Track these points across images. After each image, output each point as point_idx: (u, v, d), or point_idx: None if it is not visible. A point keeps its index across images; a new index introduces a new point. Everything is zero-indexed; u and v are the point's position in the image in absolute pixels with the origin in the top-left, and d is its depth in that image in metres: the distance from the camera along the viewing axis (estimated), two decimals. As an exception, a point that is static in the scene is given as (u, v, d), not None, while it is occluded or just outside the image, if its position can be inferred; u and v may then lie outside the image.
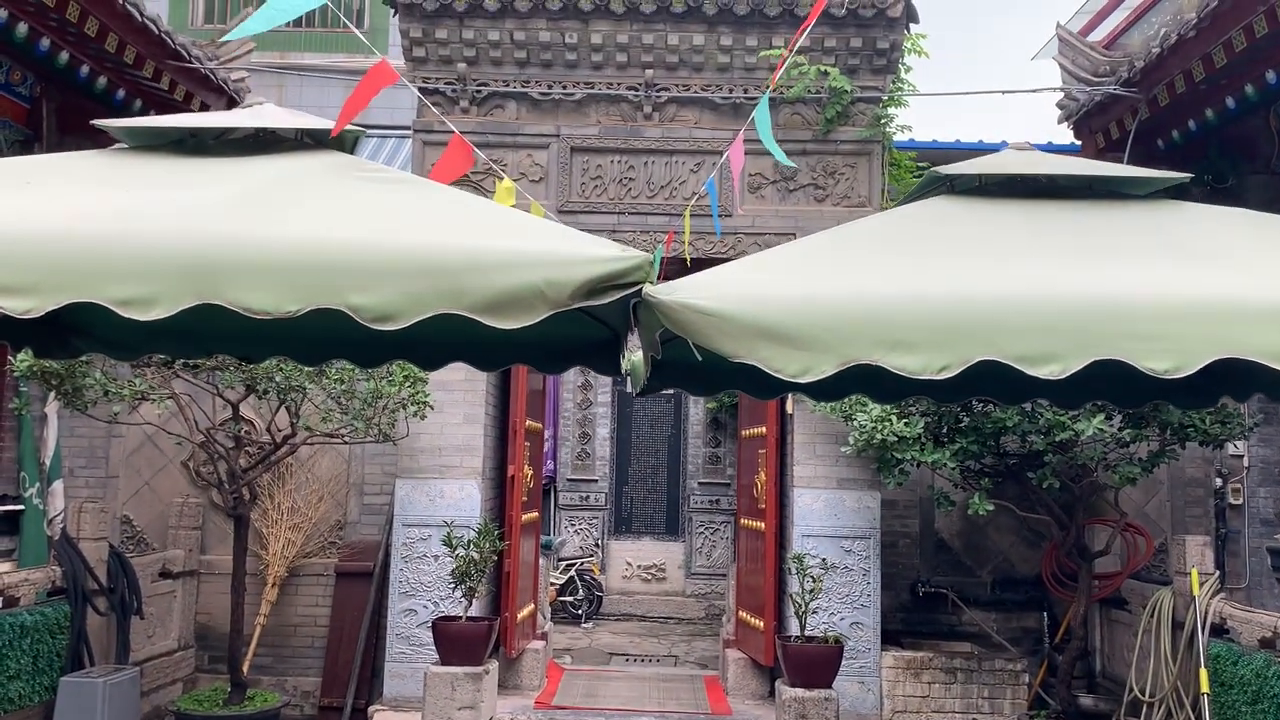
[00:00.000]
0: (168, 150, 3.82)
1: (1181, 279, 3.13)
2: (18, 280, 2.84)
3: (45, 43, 7.32)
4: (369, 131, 10.93)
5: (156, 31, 7.77)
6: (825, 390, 4.48)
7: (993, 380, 3.75)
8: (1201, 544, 7.12)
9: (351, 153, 4.14)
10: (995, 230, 3.67)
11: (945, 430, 7.56)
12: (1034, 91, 9.47)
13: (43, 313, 2.84)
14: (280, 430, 7.13)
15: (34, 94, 8.14)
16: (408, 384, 7.07)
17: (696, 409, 13.97)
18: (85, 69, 7.79)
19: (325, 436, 7.26)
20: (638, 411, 14.15)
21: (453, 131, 6.25)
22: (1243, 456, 8.94)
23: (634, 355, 4.12)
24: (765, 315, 2.97)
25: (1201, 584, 6.80)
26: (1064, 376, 2.94)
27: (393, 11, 8.44)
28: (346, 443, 7.46)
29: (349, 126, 4.09)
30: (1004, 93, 8.20)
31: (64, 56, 7.55)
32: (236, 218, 3.10)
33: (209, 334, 4.30)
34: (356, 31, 5.49)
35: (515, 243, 3.14)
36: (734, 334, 2.97)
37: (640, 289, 3.06)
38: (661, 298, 3.01)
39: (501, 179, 6.09)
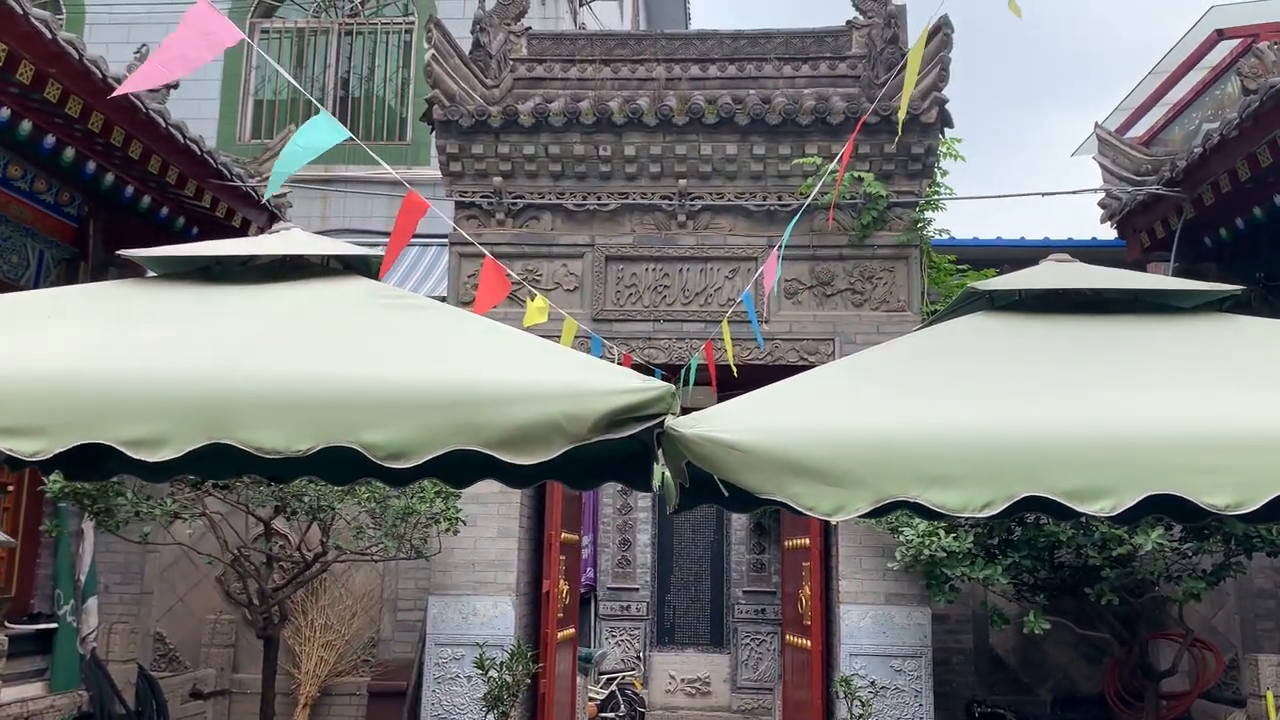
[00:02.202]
0: (194, 278, 3.81)
1: (1240, 404, 2.95)
2: (26, 422, 2.79)
3: (91, 165, 7.50)
4: (410, 240, 11.08)
5: (199, 152, 7.94)
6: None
7: (1042, 501, 3.55)
8: (1276, 664, 6.70)
9: (377, 277, 4.11)
10: (1037, 350, 3.51)
11: (997, 544, 7.26)
12: (1073, 193, 9.40)
13: (51, 455, 2.79)
14: (310, 549, 7.02)
15: (81, 214, 8.32)
16: (439, 499, 6.95)
17: (740, 516, 13.69)
18: (130, 189, 7.96)
19: (357, 554, 7.13)
20: (679, 517, 13.90)
21: (486, 248, 6.28)
22: (1314, 567, 8.50)
23: (665, 473, 3.98)
24: (794, 449, 2.82)
25: (1278, 709, 6.37)
26: (1116, 513, 2.76)
27: (430, 128, 8.58)
28: (376, 560, 7.33)
29: (369, 251, 4.08)
30: (1043, 195, 8.05)
31: (109, 178, 7.73)
32: (252, 354, 3.05)
33: (239, 455, 4.25)
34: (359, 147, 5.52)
35: (533, 375, 3.04)
36: (761, 469, 2.82)
37: (663, 420, 2.94)
38: (685, 431, 2.88)
39: (534, 296, 6.06)
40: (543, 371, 3.10)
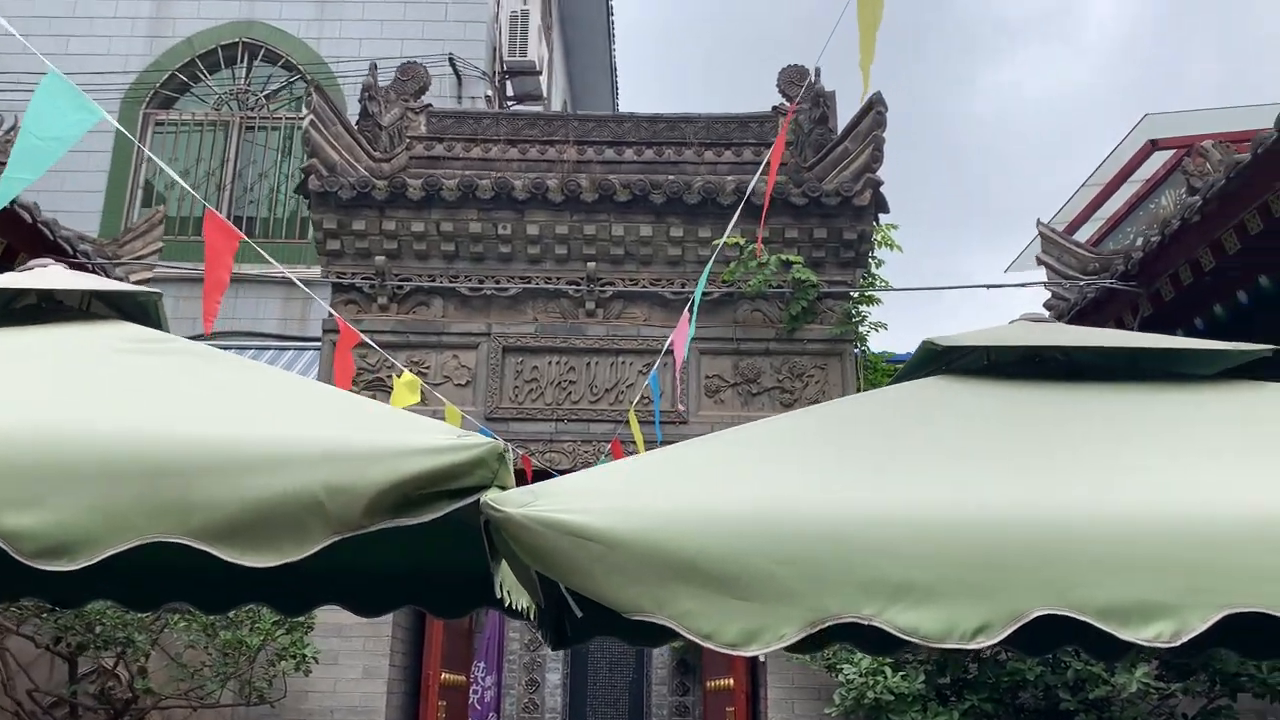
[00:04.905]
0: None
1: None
2: None
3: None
4: (287, 343, 9.96)
5: (30, 220, 6.85)
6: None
7: (1063, 625, 2.55)
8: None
9: (157, 321, 3.10)
10: (1031, 421, 2.60)
11: (950, 684, 6.18)
12: (1022, 286, 8.68)
13: None
14: (117, 694, 5.64)
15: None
16: (281, 630, 5.66)
17: (661, 650, 12.38)
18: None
19: (176, 700, 5.76)
20: (595, 654, 12.55)
21: (368, 336, 5.30)
22: (1300, 708, 7.53)
23: (503, 584, 2.92)
24: (683, 542, 1.81)
25: None
26: (1179, 642, 1.77)
27: (306, 201, 7.62)
28: (197, 707, 5.92)
29: (147, 289, 3.09)
30: (988, 287, 7.44)
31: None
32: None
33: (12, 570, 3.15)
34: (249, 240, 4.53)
35: (286, 430, 1.98)
36: (630, 573, 1.80)
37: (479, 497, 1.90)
38: (511, 511, 1.84)
39: (402, 374, 5.01)
40: (304, 426, 2.04)
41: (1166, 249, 7.08)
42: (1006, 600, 1.80)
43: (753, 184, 6.00)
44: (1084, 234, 14.16)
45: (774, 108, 8.57)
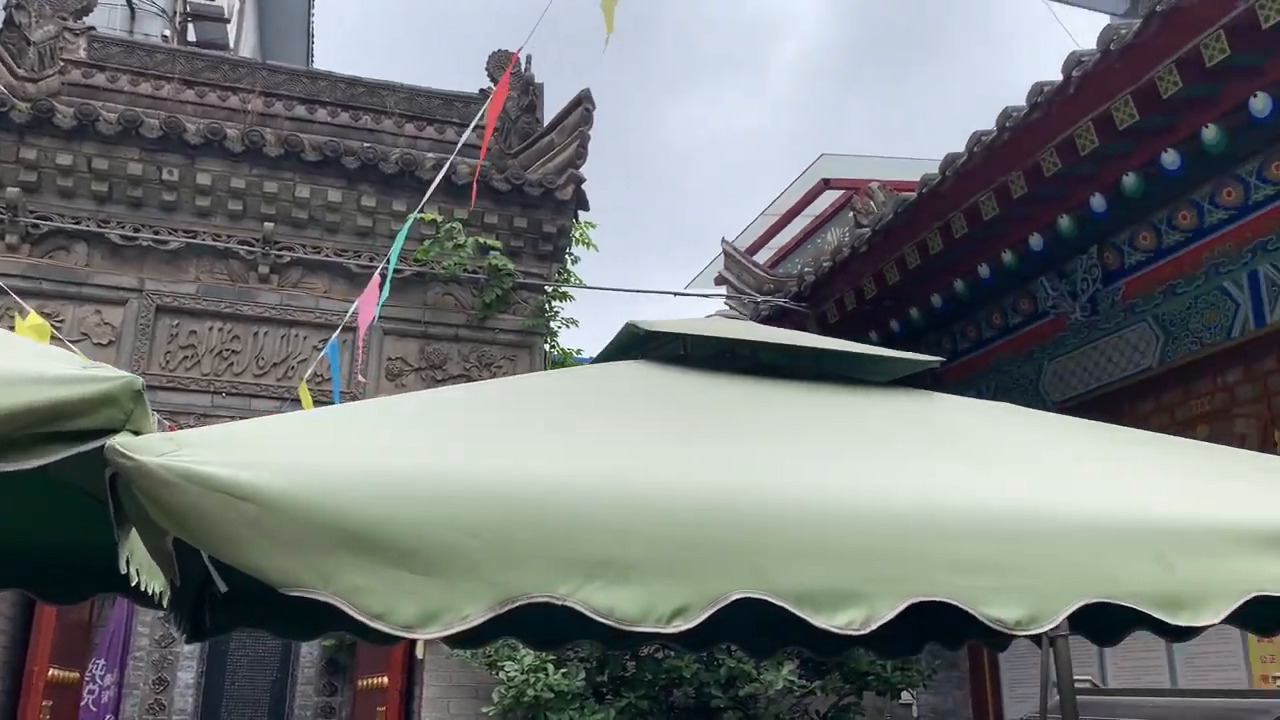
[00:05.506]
0: None
1: (1003, 491, 2.13)
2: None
3: None
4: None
5: None
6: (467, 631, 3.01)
7: (765, 614, 2.52)
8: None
9: None
10: (721, 410, 2.56)
11: (609, 681, 6.19)
12: (706, 296, 8.99)
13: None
14: None
15: None
16: None
17: (310, 647, 11.65)
18: None
19: None
20: (235, 650, 11.59)
21: None
22: (911, 705, 8.29)
23: (153, 580, 2.52)
24: (358, 508, 1.55)
25: None
26: (867, 631, 1.76)
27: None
28: None
29: None
30: (675, 294, 7.53)
31: None
32: None
33: None
34: None
35: None
36: (293, 541, 1.51)
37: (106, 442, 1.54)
38: (145, 460, 1.50)
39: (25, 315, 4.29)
40: None
41: (836, 275, 7.58)
42: (706, 582, 1.71)
43: (451, 159, 5.74)
44: (760, 259, 15.07)
45: (481, 90, 8.34)
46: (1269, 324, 5.18)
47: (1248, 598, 1.76)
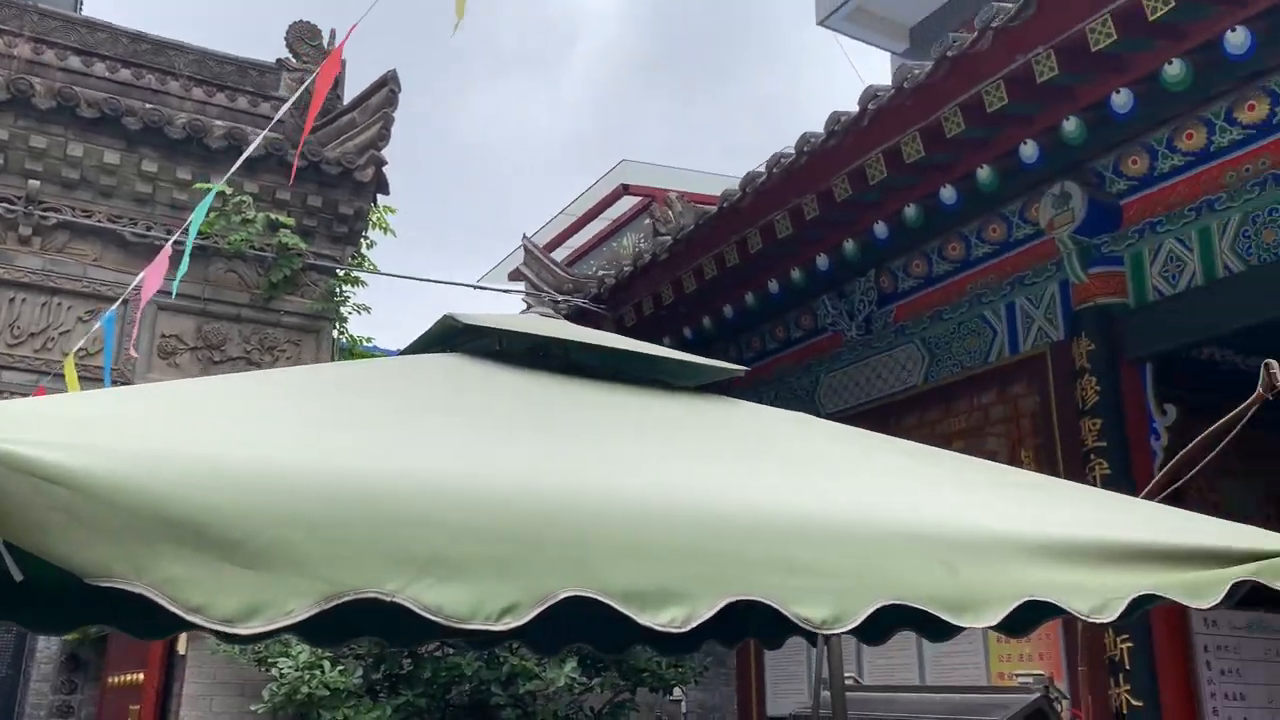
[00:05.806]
0: None
1: (811, 494, 2.25)
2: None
3: None
4: None
5: None
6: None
7: (592, 612, 2.54)
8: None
9: None
10: (540, 407, 2.59)
11: (385, 679, 6.05)
12: (505, 291, 8.97)
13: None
14: None
15: None
16: None
17: (48, 642, 10.72)
18: None
19: None
20: (-41, 645, 10.53)
21: None
22: (681, 701, 8.56)
23: None
24: (181, 495, 1.47)
25: None
26: (689, 627, 1.83)
27: None
28: None
29: None
30: (474, 287, 7.47)
31: None
32: None
33: None
34: None
35: None
36: (107, 529, 1.42)
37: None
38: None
39: None
40: None
41: (636, 280, 7.73)
42: (536, 579, 1.71)
43: (265, 133, 5.45)
44: (557, 258, 15.12)
45: (278, 60, 7.98)
46: (1022, 351, 5.70)
47: (1021, 601, 1.94)
